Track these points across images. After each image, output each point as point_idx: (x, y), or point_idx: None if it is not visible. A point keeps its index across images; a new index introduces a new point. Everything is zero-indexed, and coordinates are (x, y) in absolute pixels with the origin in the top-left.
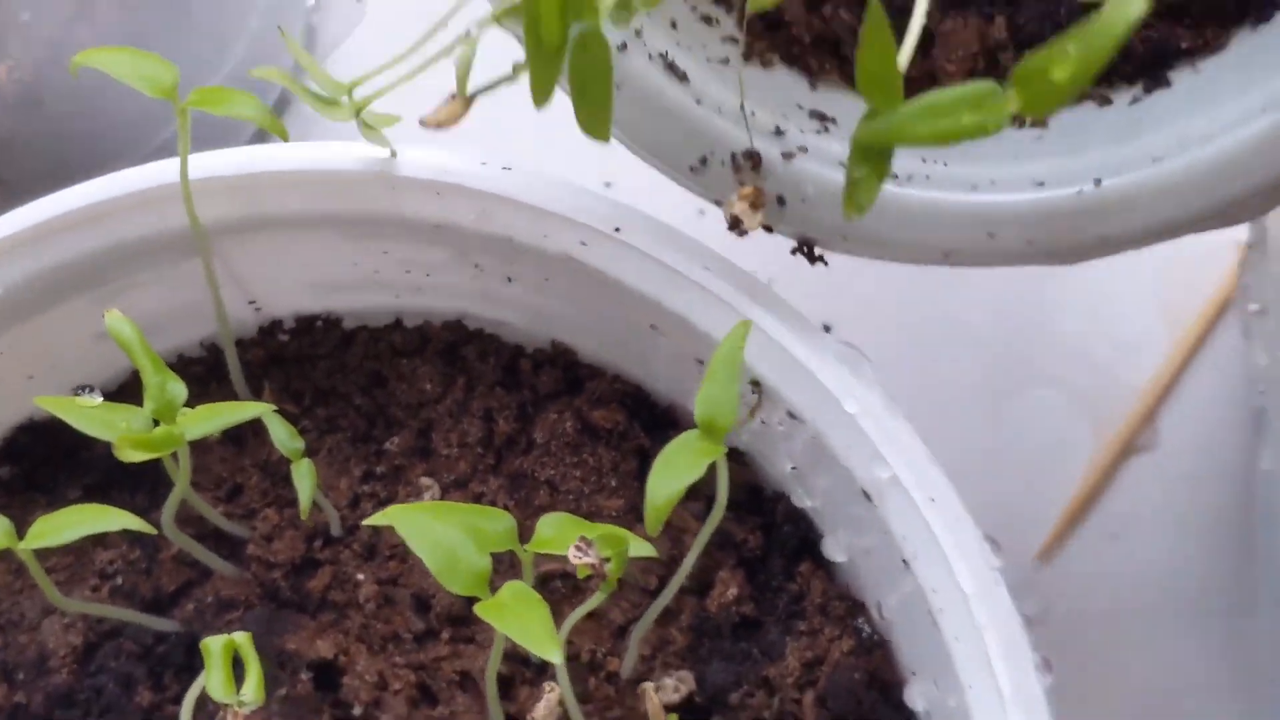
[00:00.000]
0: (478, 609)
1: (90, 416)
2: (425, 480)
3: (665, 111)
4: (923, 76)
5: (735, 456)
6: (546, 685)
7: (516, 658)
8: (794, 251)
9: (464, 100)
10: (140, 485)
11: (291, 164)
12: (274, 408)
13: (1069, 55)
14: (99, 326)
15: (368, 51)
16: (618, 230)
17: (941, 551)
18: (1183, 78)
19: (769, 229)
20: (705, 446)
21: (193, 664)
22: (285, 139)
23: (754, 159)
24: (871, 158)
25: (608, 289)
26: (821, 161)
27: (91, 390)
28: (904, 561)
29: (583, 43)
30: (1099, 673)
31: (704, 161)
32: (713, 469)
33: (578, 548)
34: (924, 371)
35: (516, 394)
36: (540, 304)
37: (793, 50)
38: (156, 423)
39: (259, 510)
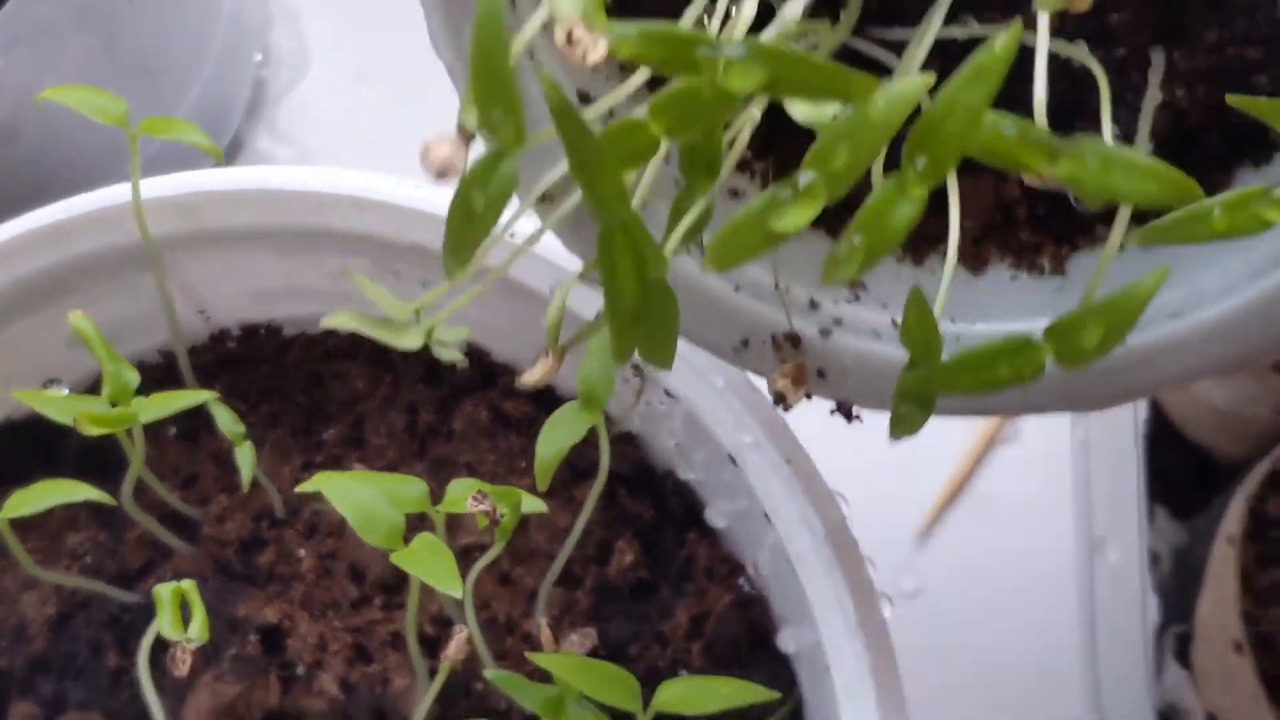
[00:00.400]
0: (393, 558)
1: (55, 403)
2: (359, 467)
3: (706, 299)
4: (941, 231)
5: (629, 439)
6: (456, 627)
7: (441, 620)
8: (832, 412)
9: (558, 356)
10: (108, 476)
11: (231, 184)
12: (217, 395)
13: (1098, 324)
14: (67, 335)
15: (312, 104)
16: (512, 235)
17: (796, 504)
18: None
19: (810, 397)
20: (585, 415)
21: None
22: (220, 159)
23: (793, 340)
24: (915, 401)
25: (506, 288)
26: (857, 333)
27: (59, 383)
28: (765, 516)
29: (651, 291)
30: (967, 639)
31: (746, 343)
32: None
33: (474, 499)
34: None
35: (437, 389)
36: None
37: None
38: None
39: (212, 496)
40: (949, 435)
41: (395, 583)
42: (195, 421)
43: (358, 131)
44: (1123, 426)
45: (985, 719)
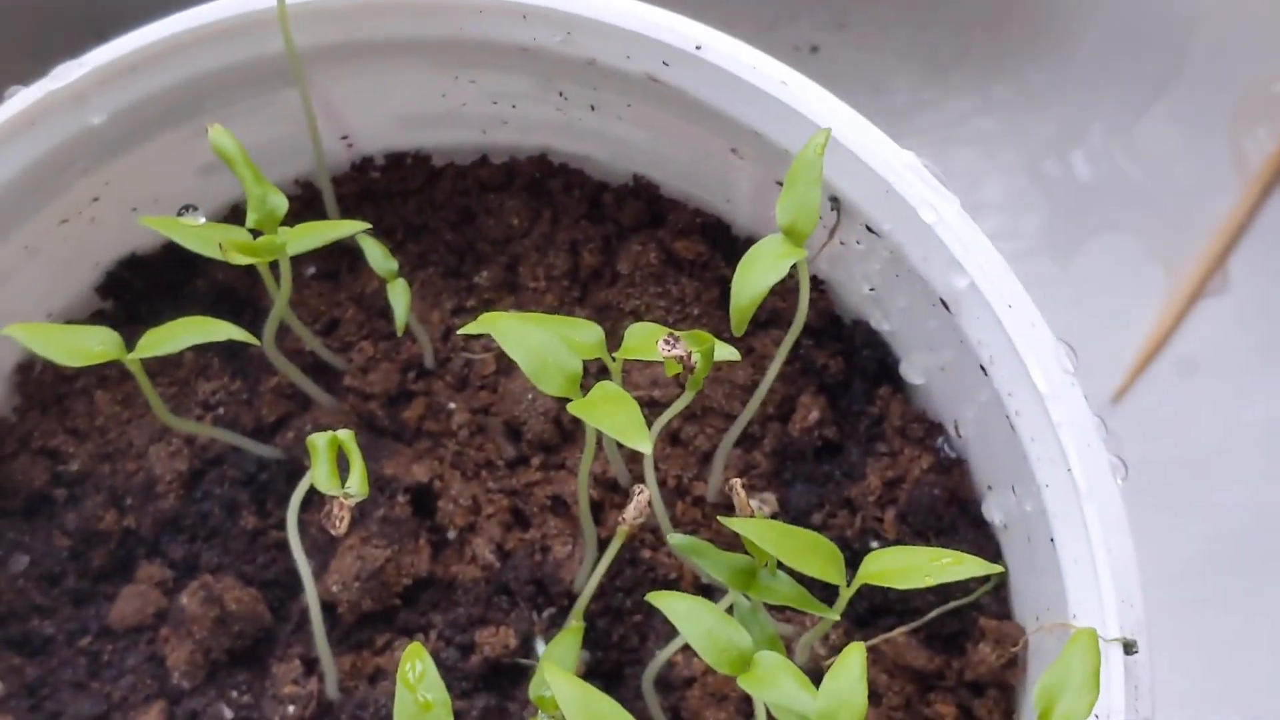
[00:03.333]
0: (570, 408)
1: (193, 233)
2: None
3: None
4: None
5: (815, 285)
6: (636, 488)
7: (605, 483)
8: None
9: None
10: (240, 318)
11: None
12: (369, 226)
13: None
14: (199, 159)
15: None
16: (699, 48)
17: (1018, 355)
18: None
19: None
20: (787, 249)
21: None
22: None
23: None
24: None
25: (688, 111)
26: None
27: (195, 210)
28: (981, 368)
29: None
30: (1173, 509)
31: None
32: (793, 291)
33: (665, 342)
34: (1004, 224)
35: (600, 227)
36: (623, 134)
37: None
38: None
39: (355, 343)
40: (1148, 290)
41: (555, 441)
42: (335, 260)
43: None
44: None
45: (1200, 586)
